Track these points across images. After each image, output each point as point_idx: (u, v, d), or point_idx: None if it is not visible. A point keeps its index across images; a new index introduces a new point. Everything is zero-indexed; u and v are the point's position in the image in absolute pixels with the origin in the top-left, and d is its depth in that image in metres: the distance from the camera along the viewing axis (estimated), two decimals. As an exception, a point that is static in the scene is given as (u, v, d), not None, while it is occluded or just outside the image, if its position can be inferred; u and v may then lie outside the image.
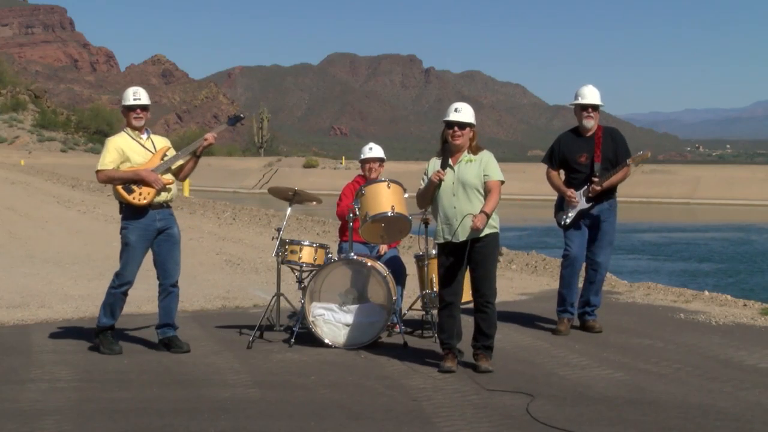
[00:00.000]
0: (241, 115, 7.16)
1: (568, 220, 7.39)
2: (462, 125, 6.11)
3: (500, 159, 6.59)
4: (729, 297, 9.49)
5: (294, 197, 7.43)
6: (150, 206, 6.60)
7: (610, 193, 7.38)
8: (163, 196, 6.67)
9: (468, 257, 6.05)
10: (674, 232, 27.29)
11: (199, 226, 18.83)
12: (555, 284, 8.00)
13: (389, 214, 6.84)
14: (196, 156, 6.81)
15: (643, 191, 43.93)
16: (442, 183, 6.10)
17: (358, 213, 6.93)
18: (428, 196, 6.22)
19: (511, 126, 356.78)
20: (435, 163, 6.23)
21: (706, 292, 9.85)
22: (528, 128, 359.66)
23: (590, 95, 7.39)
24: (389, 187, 6.93)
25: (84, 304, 8.98)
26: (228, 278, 11.28)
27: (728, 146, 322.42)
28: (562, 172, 7.57)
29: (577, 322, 7.54)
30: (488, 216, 5.97)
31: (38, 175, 40.87)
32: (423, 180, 6.29)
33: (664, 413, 5.04)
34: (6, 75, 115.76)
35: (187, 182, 35.19)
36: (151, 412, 5.15)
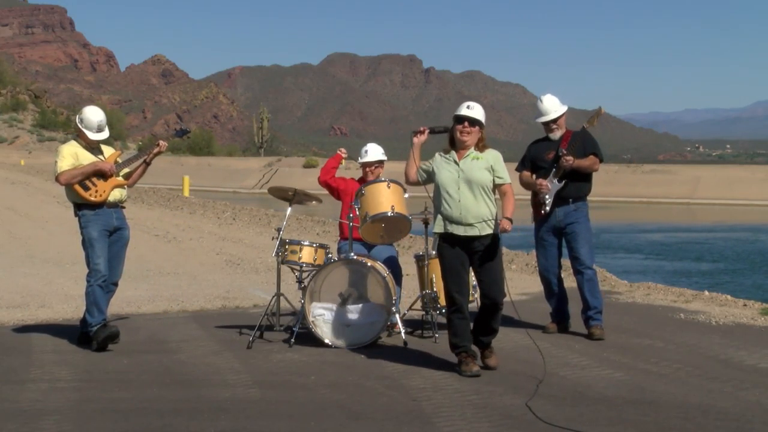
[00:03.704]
0: (187, 129, 8.00)
1: (547, 208, 7.31)
2: (473, 121, 6.01)
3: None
4: (729, 297, 9.49)
5: (294, 197, 7.43)
6: (105, 204, 6.88)
7: (577, 194, 7.26)
8: (117, 195, 6.96)
9: (477, 258, 5.99)
10: (674, 232, 27.28)
11: (199, 226, 18.86)
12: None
13: (389, 214, 6.85)
14: (146, 162, 7.19)
15: (643, 191, 43.94)
16: (447, 176, 5.99)
17: (358, 213, 6.93)
18: (412, 162, 6.13)
19: (511, 126, 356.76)
20: (439, 160, 6.13)
21: (706, 292, 9.84)
22: (528, 128, 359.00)
23: (551, 109, 7.23)
24: (389, 187, 6.94)
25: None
26: (228, 278, 11.29)
27: (728, 146, 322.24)
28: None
29: (583, 329, 7.46)
30: (510, 220, 6.03)
31: (38, 175, 40.82)
32: (421, 177, 6.18)
33: (664, 413, 5.04)
34: (6, 75, 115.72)
35: (187, 182, 35.23)
36: (151, 412, 5.15)
